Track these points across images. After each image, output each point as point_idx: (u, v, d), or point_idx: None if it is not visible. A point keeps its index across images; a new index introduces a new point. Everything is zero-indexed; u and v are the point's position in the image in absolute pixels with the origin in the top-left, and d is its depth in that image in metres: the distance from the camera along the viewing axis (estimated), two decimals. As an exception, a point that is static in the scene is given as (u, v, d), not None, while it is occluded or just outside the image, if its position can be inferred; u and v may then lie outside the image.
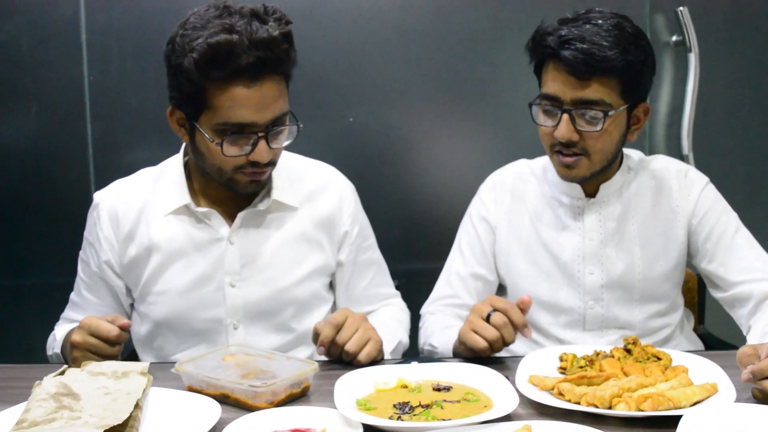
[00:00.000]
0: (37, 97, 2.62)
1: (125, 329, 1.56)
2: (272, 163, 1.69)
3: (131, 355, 2.04)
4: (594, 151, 1.77)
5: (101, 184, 1.89)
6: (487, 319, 1.58)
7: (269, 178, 1.78)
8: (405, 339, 1.89)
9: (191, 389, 1.44)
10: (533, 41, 1.79)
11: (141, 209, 1.79)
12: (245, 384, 1.38)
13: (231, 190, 1.72)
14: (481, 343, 1.57)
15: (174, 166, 1.82)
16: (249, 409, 1.36)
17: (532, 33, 1.79)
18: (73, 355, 1.58)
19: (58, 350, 1.79)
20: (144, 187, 1.82)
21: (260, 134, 1.61)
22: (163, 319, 1.79)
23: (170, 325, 1.80)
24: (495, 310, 1.59)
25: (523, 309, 1.59)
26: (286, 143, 1.69)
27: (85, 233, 1.87)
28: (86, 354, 1.55)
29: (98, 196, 1.84)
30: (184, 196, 1.76)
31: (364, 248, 1.93)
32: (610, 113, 1.72)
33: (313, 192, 1.86)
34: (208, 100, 1.59)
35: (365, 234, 1.94)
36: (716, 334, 2.15)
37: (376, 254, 1.98)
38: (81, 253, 1.88)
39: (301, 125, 1.68)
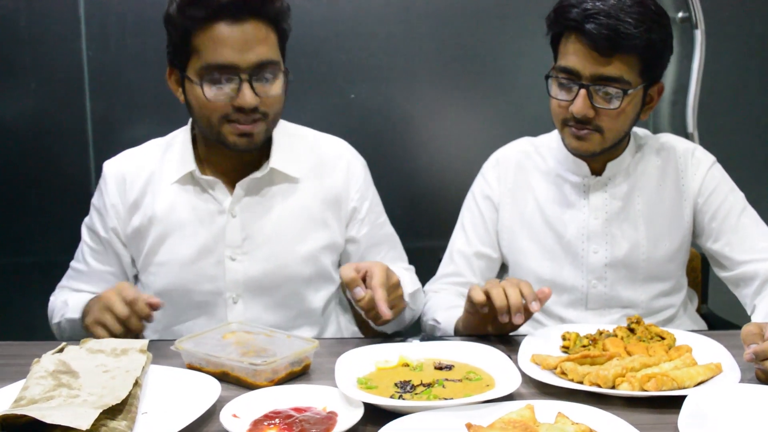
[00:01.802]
0: (36, 73, 2.60)
1: (155, 308, 1.53)
2: (262, 114, 1.65)
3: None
4: (608, 129, 1.74)
5: (101, 160, 1.88)
6: None
7: (268, 145, 1.76)
8: (417, 303, 1.86)
9: (191, 367, 1.44)
10: (555, 12, 1.75)
11: (148, 178, 1.80)
12: (245, 362, 1.37)
13: (223, 145, 1.69)
14: (481, 295, 1.56)
15: (181, 135, 1.82)
16: (249, 387, 1.36)
17: (555, 4, 1.75)
18: (97, 333, 1.55)
19: (71, 315, 1.74)
20: (152, 156, 1.83)
21: (243, 77, 1.60)
22: (162, 290, 1.78)
23: (170, 297, 1.77)
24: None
25: (541, 298, 1.56)
26: (274, 93, 1.66)
27: (93, 200, 1.86)
28: (108, 334, 1.53)
29: (107, 165, 1.85)
30: (189, 164, 1.75)
31: (377, 225, 1.91)
32: (629, 92, 1.70)
33: (320, 166, 1.84)
34: (193, 43, 1.60)
35: (377, 210, 1.92)
36: (719, 313, 2.14)
37: (390, 231, 1.96)
38: (87, 220, 1.87)
39: (291, 76, 1.69)
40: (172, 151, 1.80)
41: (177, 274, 1.77)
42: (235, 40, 1.58)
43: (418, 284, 1.88)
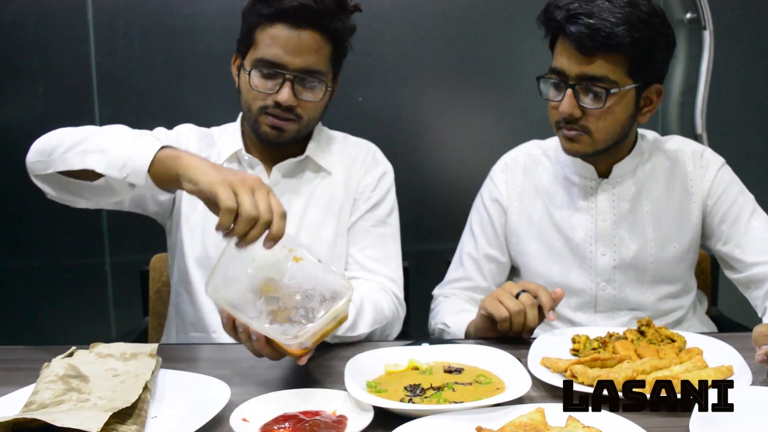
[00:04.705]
0: (44, 78, 2.61)
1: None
2: (297, 116, 1.76)
3: (140, 337, 2.04)
4: (596, 130, 1.75)
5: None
6: (516, 297, 1.60)
7: (306, 139, 1.86)
8: (362, 328, 1.68)
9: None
10: (544, 15, 1.78)
11: (206, 157, 1.82)
12: (278, 334, 1.29)
13: (256, 134, 1.80)
14: (503, 312, 1.58)
15: (233, 126, 1.93)
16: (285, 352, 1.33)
17: (544, 6, 1.78)
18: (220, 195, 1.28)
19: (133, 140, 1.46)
20: (214, 138, 1.92)
21: (287, 76, 1.72)
22: (201, 256, 1.84)
23: (203, 264, 1.84)
24: (525, 291, 1.61)
25: (554, 299, 1.61)
26: (312, 99, 1.76)
27: (165, 130, 1.89)
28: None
29: (181, 125, 1.93)
30: (236, 143, 1.87)
31: (372, 218, 1.91)
32: (613, 91, 1.70)
33: (349, 163, 1.92)
34: (255, 37, 1.74)
35: (383, 209, 1.92)
36: (729, 315, 2.13)
37: (386, 233, 1.92)
38: (156, 132, 1.84)
39: (330, 86, 1.79)
40: (223, 139, 1.90)
41: (215, 244, 1.82)
42: (290, 43, 1.71)
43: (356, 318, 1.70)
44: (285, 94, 1.72)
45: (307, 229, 1.85)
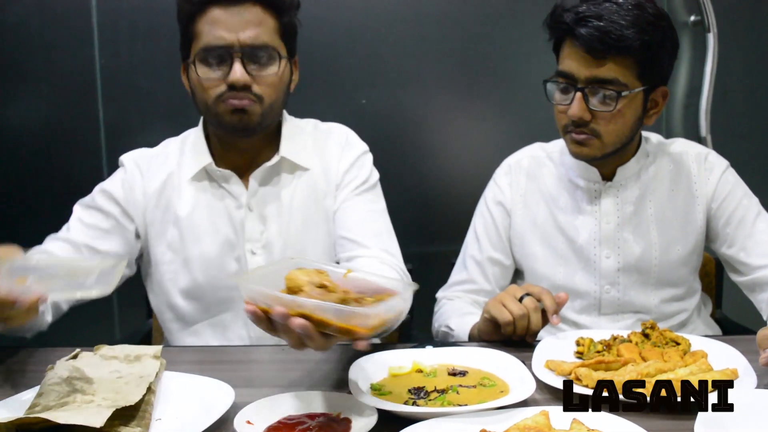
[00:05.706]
0: (48, 80, 2.62)
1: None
2: (257, 96, 1.68)
3: (144, 339, 2.04)
4: (605, 133, 1.75)
5: (113, 167, 1.88)
6: (520, 301, 1.60)
7: (277, 138, 1.79)
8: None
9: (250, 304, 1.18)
10: (551, 17, 1.77)
11: (167, 177, 1.81)
12: (344, 307, 1.13)
13: (221, 128, 1.73)
14: (506, 316, 1.58)
15: (194, 133, 1.85)
16: (341, 332, 1.15)
17: (551, 9, 1.78)
18: None
19: None
20: (169, 155, 1.85)
21: (235, 54, 1.65)
22: (188, 288, 1.79)
23: (195, 294, 1.79)
24: (529, 294, 1.61)
25: (558, 303, 1.61)
26: (268, 75, 1.69)
27: (104, 185, 1.83)
28: None
29: (126, 156, 1.86)
30: (204, 158, 1.78)
31: (357, 198, 1.84)
32: (624, 94, 1.70)
33: (324, 153, 1.86)
34: (194, 30, 1.68)
35: (366, 187, 1.86)
36: (734, 318, 2.13)
37: (375, 210, 1.86)
38: (86, 200, 1.83)
39: (284, 55, 1.71)
40: (187, 148, 1.83)
41: (203, 271, 1.78)
42: (229, 22, 1.65)
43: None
44: (237, 72, 1.64)
45: (295, 231, 1.80)
